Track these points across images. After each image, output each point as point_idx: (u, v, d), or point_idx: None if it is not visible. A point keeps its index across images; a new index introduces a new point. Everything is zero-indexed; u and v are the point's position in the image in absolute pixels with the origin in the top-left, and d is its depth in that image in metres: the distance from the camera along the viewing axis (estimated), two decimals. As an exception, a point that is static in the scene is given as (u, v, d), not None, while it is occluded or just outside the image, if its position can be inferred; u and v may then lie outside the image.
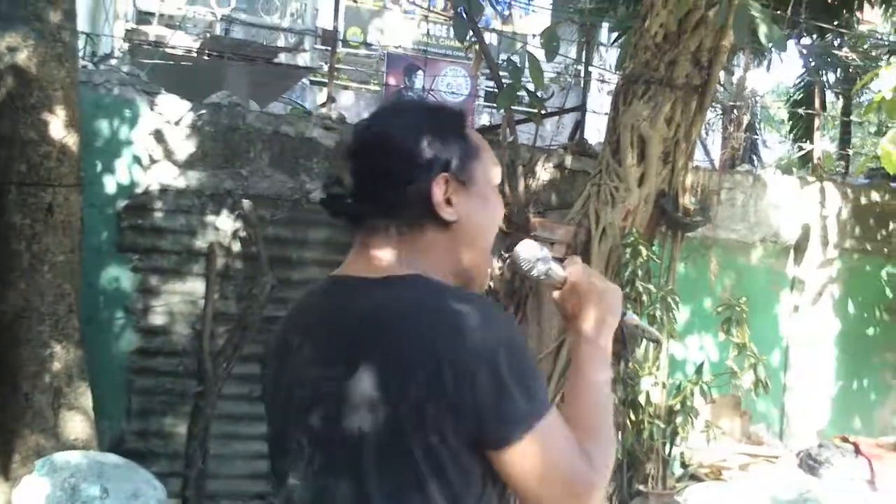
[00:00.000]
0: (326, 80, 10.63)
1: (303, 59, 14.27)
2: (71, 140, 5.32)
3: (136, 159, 6.39)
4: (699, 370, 5.95)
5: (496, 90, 6.81)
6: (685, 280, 7.16)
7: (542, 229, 5.91)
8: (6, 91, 5.18)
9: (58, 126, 5.24)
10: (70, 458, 4.69)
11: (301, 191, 6.65)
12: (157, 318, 6.42)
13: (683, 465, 6.76)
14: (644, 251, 5.67)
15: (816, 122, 10.36)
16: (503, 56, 8.15)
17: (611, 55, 14.69)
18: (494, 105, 9.23)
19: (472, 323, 1.56)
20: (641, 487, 5.87)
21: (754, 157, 15.60)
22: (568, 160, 7.25)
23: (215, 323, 6.07)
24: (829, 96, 14.65)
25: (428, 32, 18.67)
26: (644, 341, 5.74)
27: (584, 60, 12.24)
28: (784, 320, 8.08)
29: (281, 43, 14.48)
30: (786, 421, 8.01)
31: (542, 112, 7.10)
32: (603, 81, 13.55)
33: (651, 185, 5.86)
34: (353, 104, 18.08)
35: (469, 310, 1.58)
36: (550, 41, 6.52)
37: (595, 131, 11.68)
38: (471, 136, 1.80)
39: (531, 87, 6.73)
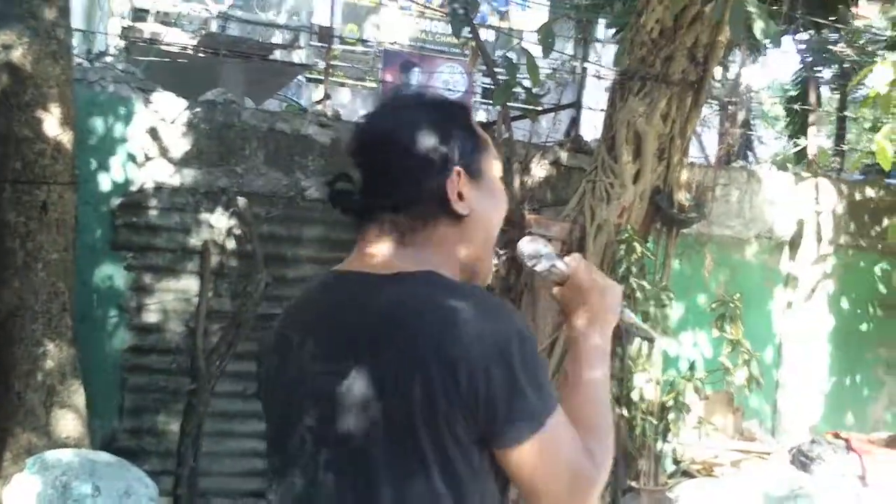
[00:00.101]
0: (322, 78, 10.64)
1: (298, 56, 14.29)
2: (65, 138, 5.32)
3: (131, 157, 6.38)
4: (692, 367, 5.96)
5: (492, 87, 6.83)
6: (679, 276, 7.16)
7: (538, 226, 5.91)
8: (0, 88, 5.18)
9: (52, 124, 5.24)
10: (62, 457, 4.70)
11: (296, 188, 6.65)
12: (151, 316, 6.41)
13: (675, 461, 6.77)
14: (639, 248, 5.68)
15: (811, 118, 10.35)
16: (499, 52, 8.15)
17: (607, 51, 14.67)
18: (490, 101, 9.24)
19: (484, 320, 1.57)
20: (634, 484, 5.88)
21: (749, 154, 15.59)
22: (564, 157, 7.25)
23: (209, 321, 6.07)
24: (825, 92, 14.65)
25: (424, 29, 18.65)
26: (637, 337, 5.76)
27: (580, 57, 12.25)
28: (778, 316, 8.09)
29: (277, 40, 14.49)
30: (778, 417, 8.01)
31: (538, 108, 7.11)
32: (599, 78, 13.53)
33: (646, 182, 5.87)
34: (349, 101, 18.06)
35: (481, 307, 1.60)
36: (546, 37, 6.52)
37: (591, 128, 11.66)
38: (477, 129, 1.81)
39: (527, 83, 6.73)
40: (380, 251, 1.71)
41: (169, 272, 6.42)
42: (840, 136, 14.20)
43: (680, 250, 6.87)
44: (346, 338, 1.65)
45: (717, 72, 9.52)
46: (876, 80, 6.30)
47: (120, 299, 6.35)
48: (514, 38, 14.49)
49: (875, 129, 13.23)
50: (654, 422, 5.75)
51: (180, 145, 6.45)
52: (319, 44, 15.06)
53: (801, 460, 6.68)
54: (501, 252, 5.65)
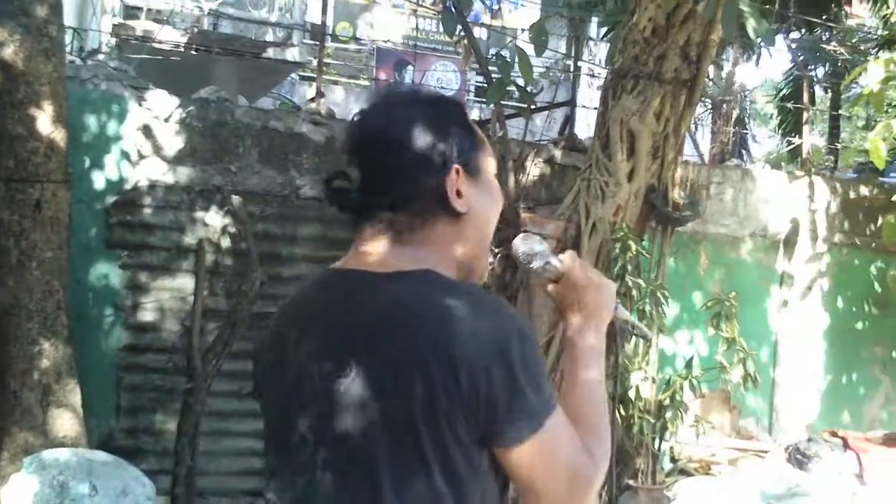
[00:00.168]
0: (315, 76, 10.60)
1: (291, 54, 14.27)
2: (58, 136, 5.30)
3: (125, 155, 6.36)
4: (689, 365, 5.96)
5: (486, 85, 6.81)
6: (675, 275, 7.17)
7: (533, 224, 5.90)
8: (-7, 86, 5.16)
9: (45, 121, 5.22)
10: (59, 456, 4.68)
11: (290, 186, 6.64)
12: (147, 315, 6.40)
13: (673, 459, 6.78)
14: (634, 246, 5.68)
15: (805, 117, 10.37)
16: (492, 51, 8.14)
17: (600, 50, 14.71)
18: (484, 100, 9.22)
19: (484, 319, 1.57)
20: (631, 482, 5.88)
21: (743, 152, 15.63)
22: (558, 155, 7.25)
23: (205, 319, 6.04)
24: (818, 91, 14.68)
25: (417, 27, 18.62)
26: (633, 336, 5.75)
27: (573, 55, 12.25)
28: (773, 315, 8.10)
29: (269, 38, 14.47)
30: (775, 415, 8.02)
31: (532, 107, 7.10)
32: (592, 76, 13.55)
33: (640, 180, 5.87)
34: (342, 99, 18.04)
35: (481, 306, 1.59)
36: (539, 36, 6.52)
37: (585, 126, 11.70)
38: (473, 126, 1.80)
39: (521, 81, 6.73)
40: (377, 249, 1.70)
41: (164, 271, 6.41)
42: (833, 135, 14.24)
43: (675, 249, 6.87)
44: (344, 337, 1.64)
45: (711, 70, 9.52)
46: (869, 78, 6.31)
47: (115, 298, 6.34)
48: (508, 37, 14.49)
49: (868, 127, 13.29)
50: (652, 420, 5.75)
51: (174, 143, 6.43)
52: (312, 41, 15.05)
53: (798, 458, 6.69)
54: (497, 250, 5.65)
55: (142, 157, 6.38)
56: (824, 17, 10.62)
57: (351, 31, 19.85)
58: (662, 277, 6.09)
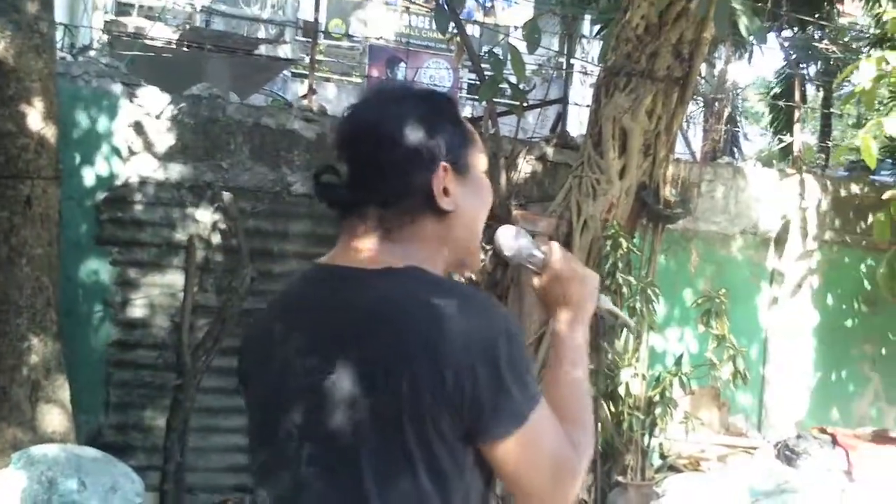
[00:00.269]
0: (308, 72, 10.59)
1: (284, 51, 14.24)
2: (49, 132, 5.29)
3: (116, 151, 6.35)
4: (678, 362, 5.97)
5: (478, 82, 6.81)
6: (665, 272, 7.18)
7: (524, 221, 5.90)
8: (-17, 82, 5.15)
9: (36, 118, 5.21)
10: (47, 452, 4.68)
11: (282, 183, 6.63)
12: (136, 311, 6.39)
13: (662, 456, 6.79)
14: (625, 243, 5.69)
15: (797, 115, 10.38)
16: (485, 48, 8.14)
17: (593, 47, 14.72)
18: (477, 97, 9.22)
19: (471, 317, 1.57)
20: (620, 478, 5.89)
21: (735, 150, 15.65)
22: (550, 152, 7.25)
23: (195, 316, 6.04)
24: (810, 89, 14.71)
25: (410, 24, 18.63)
26: (623, 331, 5.78)
27: (566, 52, 12.25)
28: (763, 312, 8.12)
29: (261, 34, 14.46)
30: (764, 412, 8.04)
31: (525, 104, 7.10)
32: (585, 73, 13.56)
33: (632, 178, 5.88)
34: (334, 96, 18.04)
35: (468, 304, 1.59)
36: (532, 33, 6.52)
37: (577, 123, 11.71)
38: (464, 123, 1.80)
39: (513, 79, 6.73)
40: (365, 245, 1.70)
41: (154, 267, 6.40)
42: (825, 133, 14.26)
43: (666, 246, 6.88)
44: (332, 333, 1.63)
45: (703, 68, 9.54)
46: (860, 76, 6.32)
47: (105, 294, 6.33)
48: (500, 34, 14.49)
49: (859, 125, 13.31)
50: (641, 417, 5.76)
51: (165, 140, 6.42)
52: (305, 38, 15.04)
53: (787, 455, 6.70)
54: (488, 247, 5.65)
55: (133, 153, 6.37)
56: (816, 16, 10.63)
57: (343, 28, 19.84)
58: (653, 275, 6.10)
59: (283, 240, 6.64)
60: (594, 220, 5.80)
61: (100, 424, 6.30)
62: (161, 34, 12.90)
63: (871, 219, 8.04)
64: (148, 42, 12.45)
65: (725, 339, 5.84)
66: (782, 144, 13.16)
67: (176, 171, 6.43)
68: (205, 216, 6.47)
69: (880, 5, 10.84)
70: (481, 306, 1.61)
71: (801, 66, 13.14)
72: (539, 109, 10.25)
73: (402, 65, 18.10)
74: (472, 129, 1.81)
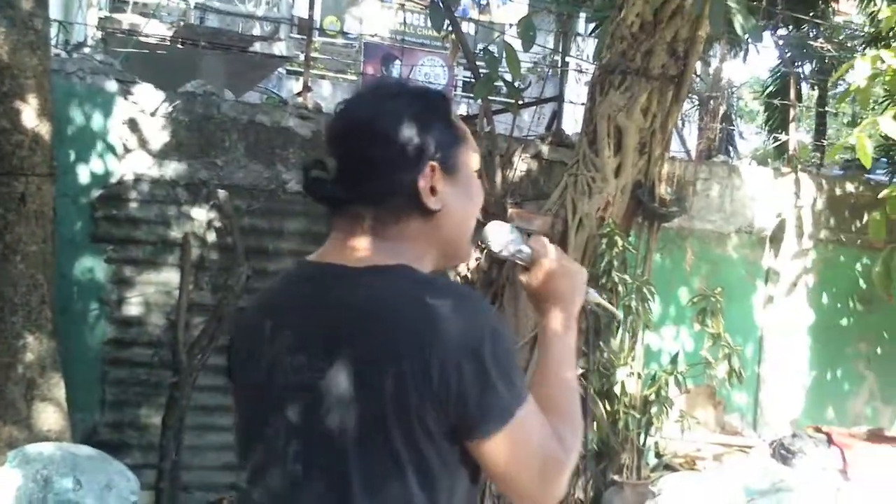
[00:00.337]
0: (303, 70, 10.58)
1: (278, 49, 14.20)
2: (43, 129, 5.28)
3: (110, 149, 6.34)
4: (674, 360, 5.98)
5: (473, 80, 6.80)
6: (661, 270, 7.18)
7: (520, 220, 5.90)
8: (-23, 80, 5.13)
9: (30, 115, 5.20)
10: (43, 450, 4.67)
11: (277, 181, 6.62)
12: (132, 309, 6.38)
13: (658, 454, 6.79)
14: (620, 241, 5.69)
15: (791, 114, 10.39)
16: (480, 46, 8.13)
17: (588, 45, 14.69)
18: (472, 95, 9.21)
19: (459, 316, 1.57)
20: (616, 477, 5.89)
21: (730, 149, 15.66)
22: (545, 151, 7.25)
23: (190, 314, 6.03)
24: (805, 87, 14.72)
25: (405, 22, 18.62)
26: (619, 329, 5.78)
27: (561, 51, 12.25)
28: (759, 310, 8.12)
29: (256, 32, 14.41)
30: (760, 411, 8.05)
31: (520, 102, 7.10)
32: (580, 72, 13.55)
33: (627, 176, 5.88)
34: (329, 94, 18.03)
35: (456, 302, 1.59)
36: (527, 31, 6.52)
37: (572, 121, 11.69)
38: (456, 122, 1.79)
39: (508, 77, 6.72)
40: (354, 243, 1.69)
41: (149, 265, 6.39)
42: (820, 132, 14.27)
43: (661, 244, 6.89)
44: (319, 331, 1.63)
45: (698, 66, 9.53)
46: (855, 75, 6.32)
47: (100, 292, 6.32)
48: (495, 32, 14.49)
49: (854, 123, 13.32)
50: (637, 416, 5.76)
51: (160, 137, 6.41)
52: (300, 36, 15.00)
53: (783, 454, 6.71)
54: (482, 246, 5.64)
55: (127, 150, 6.36)
56: (811, 14, 10.64)
57: (338, 26, 19.82)
58: (649, 273, 6.10)
59: (278, 237, 6.63)
60: (589, 219, 5.80)
61: (95, 422, 6.29)
62: (155, 31, 12.87)
63: (866, 217, 8.05)
64: (142, 39, 12.42)
65: (721, 337, 5.83)
66: (777, 143, 13.16)
67: (171, 168, 6.41)
68: (200, 214, 6.46)
69: (875, 4, 10.85)
70: (469, 305, 1.61)
71: (796, 64, 13.15)
72: (534, 107, 10.23)
73: (398, 62, 18.09)
74: (464, 129, 1.80)
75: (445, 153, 1.72)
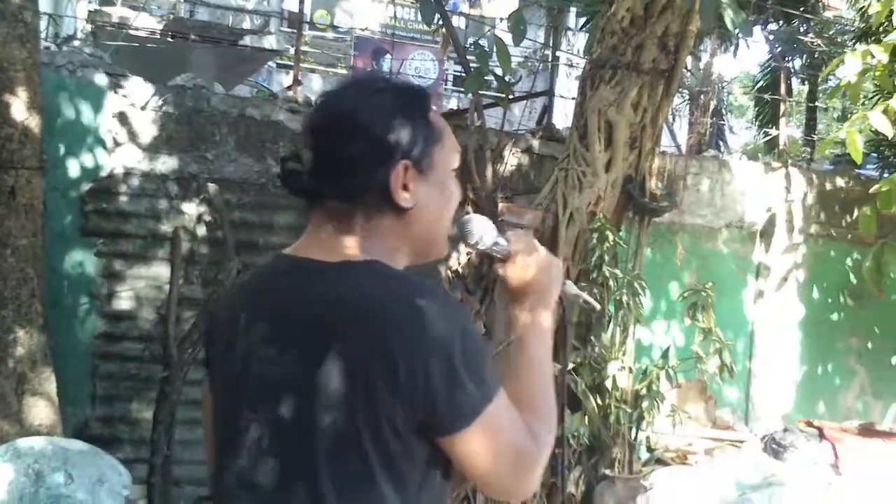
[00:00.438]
0: (293, 63, 10.56)
1: (269, 42, 14.20)
2: (33, 122, 5.26)
3: (100, 142, 6.32)
4: (665, 355, 5.97)
5: (464, 74, 6.79)
6: (652, 265, 7.19)
7: (510, 214, 5.90)
8: (-34, 72, 5.11)
9: (20, 108, 5.18)
10: (34, 444, 4.64)
11: (267, 174, 6.61)
12: (122, 303, 6.37)
13: (649, 449, 6.79)
14: (611, 236, 5.69)
15: (782, 108, 10.40)
16: (471, 40, 8.12)
17: (579, 40, 14.70)
18: (462, 89, 9.20)
19: (428, 313, 1.57)
20: (608, 472, 5.89)
21: (720, 143, 15.69)
22: (536, 145, 7.25)
23: (181, 308, 6.02)
24: (795, 82, 14.74)
25: (395, 16, 18.58)
26: (610, 324, 5.78)
27: (551, 45, 12.25)
28: (749, 305, 8.14)
29: (246, 25, 14.41)
30: (751, 405, 8.06)
31: (510, 96, 7.09)
32: (571, 66, 13.55)
33: (618, 170, 5.88)
34: (320, 88, 17.98)
35: (426, 300, 1.60)
36: (518, 25, 6.51)
37: (563, 116, 11.69)
38: (434, 120, 1.79)
39: (499, 71, 6.72)
40: (327, 238, 1.71)
41: (139, 259, 6.38)
42: (810, 127, 14.30)
43: (652, 239, 6.89)
44: (292, 324, 1.65)
45: (689, 61, 9.54)
46: (846, 70, 6.32)
47: (90, 286, 6.30)
48: (486, 26, 14.48)
49: (844, 118, 13.34)
50: (628, 410, 5.76)
51: (150, 131, 6.39)
52: (290, 29, 14.99)
53: (774, 448, 6.72)
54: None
55: (117, 144, 6.34)
56: (802, 9, 10.66)
57: (329, 20, 19.78)
58: (639, 268, 6.10)
59: (268, 231, 6.62)
60: (580, 213, 5.80)
61: (86, 417, 6.28)
62: (145, 24, 12.85)
63: (856, 212, 8.05)
64: (132, 32, 12.39)
65: (712, 332, 5.84)
66: (768, 138, 13.18)
67: (161, 162, 6.40)
68: (190, 208, 6.44)
69: (865, -1, 10.86)
70: (438, 302, 1.61)
71: (786, 59, 13.17)
72: (525, 102, 10.22)
73: (388, 56, 18.06)
74: (442, 127, 1.80)
75: (420, 151, 1.72)
